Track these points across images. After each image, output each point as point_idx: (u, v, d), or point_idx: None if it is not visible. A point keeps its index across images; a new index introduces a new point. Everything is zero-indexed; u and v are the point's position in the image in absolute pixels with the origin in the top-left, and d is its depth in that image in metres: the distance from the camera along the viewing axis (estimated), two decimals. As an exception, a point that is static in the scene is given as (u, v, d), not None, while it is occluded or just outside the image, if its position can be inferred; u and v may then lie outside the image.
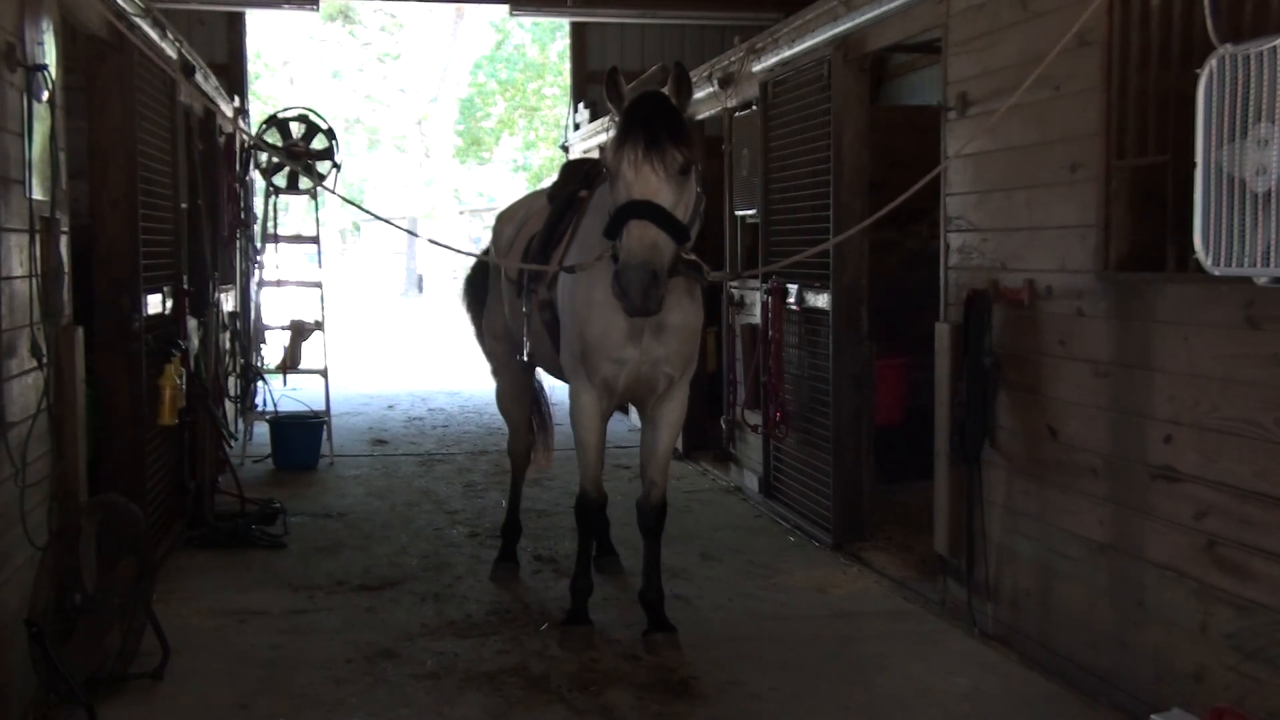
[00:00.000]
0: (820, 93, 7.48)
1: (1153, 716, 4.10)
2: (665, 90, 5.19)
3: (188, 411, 7.57)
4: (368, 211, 6.83)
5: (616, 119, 5.20)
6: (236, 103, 11.02)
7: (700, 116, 10.11)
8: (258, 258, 11.02)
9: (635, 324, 5.44)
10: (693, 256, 5.22)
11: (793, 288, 7.90)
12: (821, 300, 7.50)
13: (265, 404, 10.78)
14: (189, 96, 8.34)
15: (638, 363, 5.59)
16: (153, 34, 6.89)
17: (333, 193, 8.28)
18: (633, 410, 9.78)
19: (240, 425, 10.70)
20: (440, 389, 15.74)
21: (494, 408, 7.79)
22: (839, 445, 7.40)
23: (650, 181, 4.95)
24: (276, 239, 11.08)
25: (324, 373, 10.80)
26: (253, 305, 11.05)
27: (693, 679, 5.23)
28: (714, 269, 5.83)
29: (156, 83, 7.26)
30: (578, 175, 6.48)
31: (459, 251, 7.41)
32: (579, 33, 14.59)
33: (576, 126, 14.55)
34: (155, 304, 7.15)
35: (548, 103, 36.12)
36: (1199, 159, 3.87)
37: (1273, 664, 3.98)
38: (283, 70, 37.23)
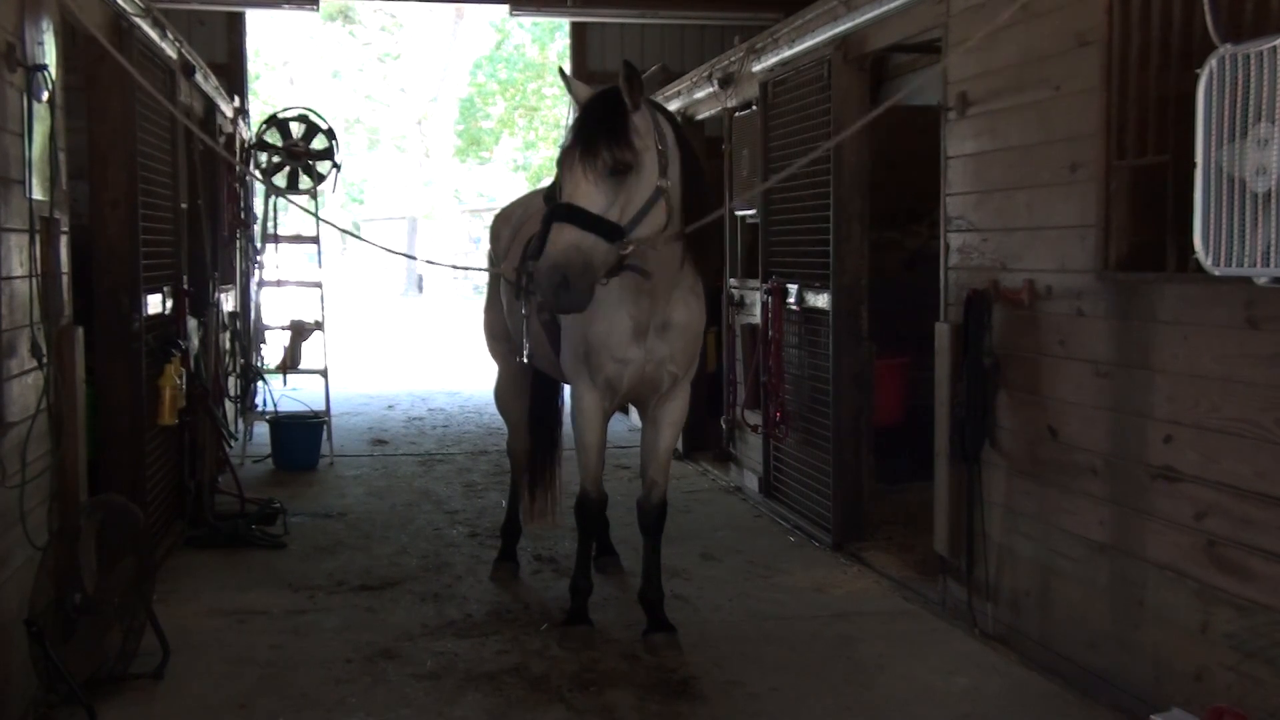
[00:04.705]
0: (820, 93, 7.47)
1: (1152, 716, 4.09)
2: (649, 90, 5.18)
3: (188, 411, 7.57)
4: (356, 236, 6.71)
5: None
6: (236, 102, 11.01)
7: (700, 116, 10.12)
8: (258, 258, 11.03)
9: (639, 323, 5.46)
10: (630, 252, 5.04)
11: (793, 287, 7.90)
12: (821, 300, 7.50)
13: (265, 404, 10.79)
14: (189, 96, 8.33)
15: (642, 362, 5.59)
16: (153, 34, 6.89)
17: (321, 213, 8.23)
18: (633, 410, 9.78)
19: (240, 425, 10.70)
20: (440, 389, 15.73)
21: (494, 408, 7.78)
22: (839, 445, 7.40)
23: (580, 185, 4.94)
24: (276, 239, 11.08)
25: (324, 373, 10.80)
26: (253, 305, 11.05)
27: (693, 679, 5.23)
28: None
29: (156, 83, 7.25)
30: None
31: (457, 267, 7.39)
32: (579, 33, 14.57)
33: (576, 126, 14.52)
34: (155, 304, 7.15)
35: (548, 103, 36.14)
36: (1199, 159, 3.86)
37: (1273, 664, 3.97)
38: (283, 70, 37.24)
